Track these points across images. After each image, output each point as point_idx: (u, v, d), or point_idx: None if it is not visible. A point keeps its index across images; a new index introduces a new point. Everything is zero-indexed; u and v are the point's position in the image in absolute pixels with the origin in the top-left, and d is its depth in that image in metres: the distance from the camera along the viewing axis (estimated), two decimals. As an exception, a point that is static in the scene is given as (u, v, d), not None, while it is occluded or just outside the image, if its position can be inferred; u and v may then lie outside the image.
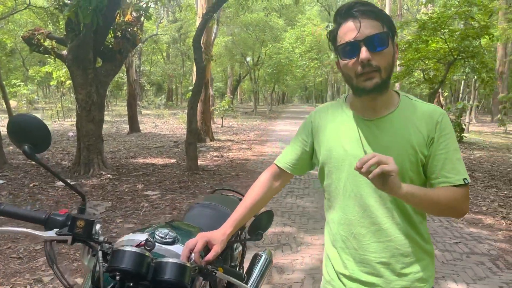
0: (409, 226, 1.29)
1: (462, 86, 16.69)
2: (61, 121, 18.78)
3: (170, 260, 1.17)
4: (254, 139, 13.64)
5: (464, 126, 13.72)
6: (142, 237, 1.33)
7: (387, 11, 21.55)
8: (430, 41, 9.03)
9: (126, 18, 8.26)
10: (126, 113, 15.68)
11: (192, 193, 6.34)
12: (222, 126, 17.66)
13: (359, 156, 1.14)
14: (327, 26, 27.03)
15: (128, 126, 15.19)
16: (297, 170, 1.47)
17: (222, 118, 18.19)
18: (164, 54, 35.28)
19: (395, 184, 1.09)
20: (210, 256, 1.27)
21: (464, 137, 13.34)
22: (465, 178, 1.24)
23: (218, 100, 28.44)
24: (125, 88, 32.24)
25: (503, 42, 17.10)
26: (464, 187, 1.24)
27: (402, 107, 1.29)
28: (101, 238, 1.21)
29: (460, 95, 17.23)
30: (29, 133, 1.15)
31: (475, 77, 13.50)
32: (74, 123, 9.63)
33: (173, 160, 9.23)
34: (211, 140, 12.70)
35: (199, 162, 8.21)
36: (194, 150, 7.99)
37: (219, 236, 1.34)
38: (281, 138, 13.71)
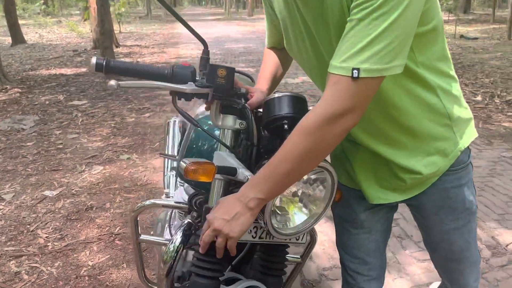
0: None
1: None
2: None
3: None
4: (163, 43, 12.78)
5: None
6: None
7: None
8: None
9: None
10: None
11: (126, 99, 5.86)
12: (120, 32, 16.11)
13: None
14: None
15: (10, 37, 13.08)
16: (282, 44, 1.20)
17: (119, 23, 16.52)
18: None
19: (238, 219, 0.90)
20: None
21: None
22: (357, 70, 0.79)
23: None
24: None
25: None
26: (349, 80, 0.80)
27: None
28: (242, 90, 1.02)
29: None
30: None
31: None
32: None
33: (83, 69, 8.29)
34: (116, 46, 11.59)
35: (118, 68, 7.50)
36: (111, 54, 7.25)
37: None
38: (191, 40, 13.02)
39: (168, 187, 2.19)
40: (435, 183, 1.07)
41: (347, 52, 0.80)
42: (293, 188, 1.01)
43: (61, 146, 4.06)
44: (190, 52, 10.41)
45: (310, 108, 1.02)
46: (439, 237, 1.15)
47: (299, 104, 1.00)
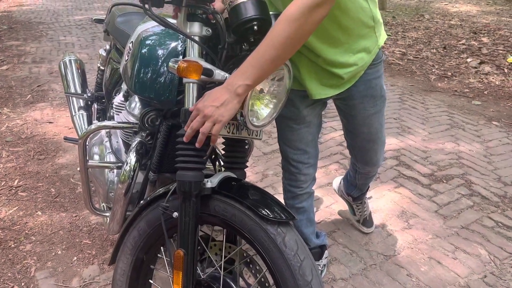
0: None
1: None
2: None
3: (275, 12, 1.21)
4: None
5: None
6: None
7: None
8: None
9: None
10: None
11: (-31, 51, 5.04)
12: None
13: None
14: None
15: None
16: None
17: None
18: None
19: (226, 105, 1.02)
20: None
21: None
22: None
23: None
24: None
25: None
26: None
27: None
28: None
29: None
30: None
31: None
32: None
33: None
34: None
35: None
36: None
37: None
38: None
39: (80, 127, 2.14)
40: (361, 76, 1.34)
41: None
42: (259, 86, 1.17)
43: None
44: (33, -1, 9.17)
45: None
46: (362, 122, 1.46)
47: (263, 7, 1.13)
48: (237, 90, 1.02)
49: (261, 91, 1.19)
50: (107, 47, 2.12)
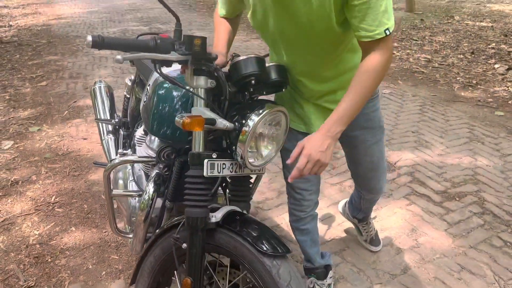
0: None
1: None
2: None
3: (273, 63, 1.34)
4: (33, 2, 11.54)
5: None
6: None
7: None
8: None
9: None
10: None
11: (13, 68, 5.42)
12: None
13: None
14: None
15: None
16: (236, 13, 1.52)
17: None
18: None
19: (330, 148, 1.20)
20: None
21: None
22: (387, 29, 1.14)
23: None
24: None
25: None
26: (385, 38, 1.15)
27: None
28: (213, 55, 1.24)
29: None
30: None
31: None
32: None
33: None
34: (-23, 9, 10.19)
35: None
36: (-18, 18, 6.49)
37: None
38: (66, -2, 11.97)
39: (108, 151, 2.33)
40: (361, 111, 1.46)
41: (375, 22, 1.12)
42: (259, 130, 1.30)
43: None
44: (71, 10, 9.66)
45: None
46: (363, 152, 1.57)
47: (261, 63, 1.27)
48: (336, 135, 1.20)
49: (261, 134, 1.33)
50: (132, 77, 2.30)
